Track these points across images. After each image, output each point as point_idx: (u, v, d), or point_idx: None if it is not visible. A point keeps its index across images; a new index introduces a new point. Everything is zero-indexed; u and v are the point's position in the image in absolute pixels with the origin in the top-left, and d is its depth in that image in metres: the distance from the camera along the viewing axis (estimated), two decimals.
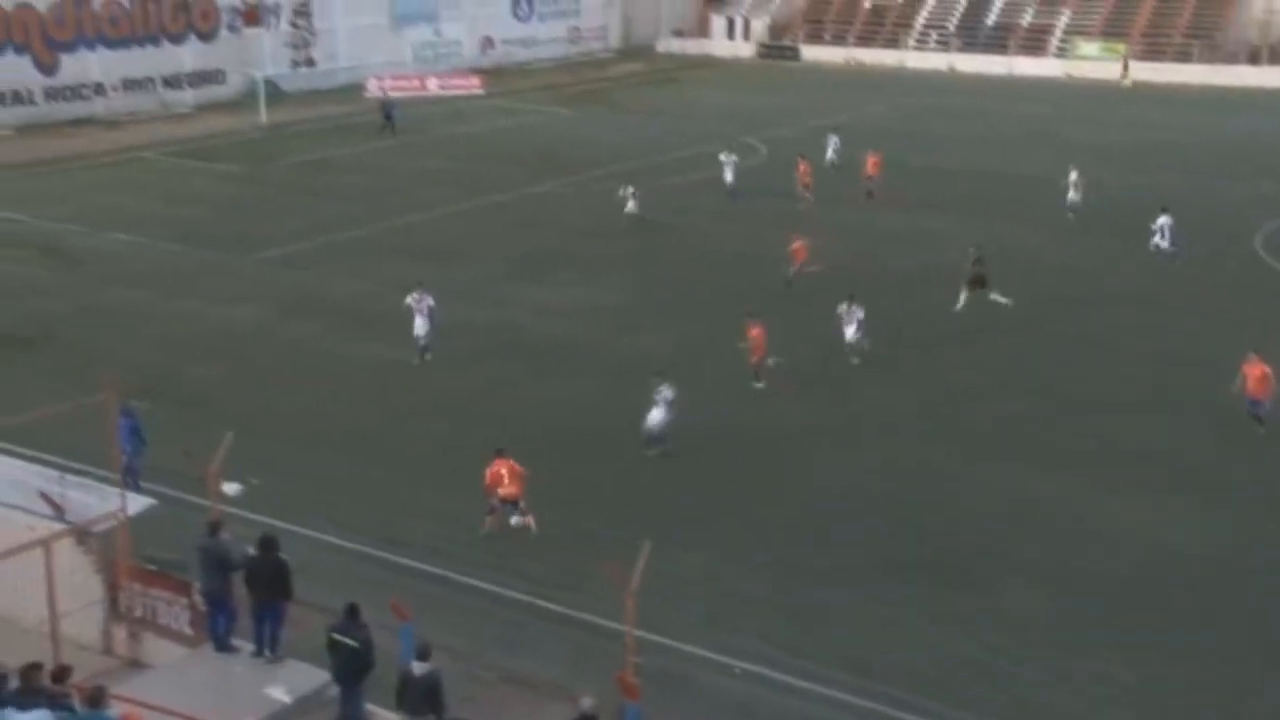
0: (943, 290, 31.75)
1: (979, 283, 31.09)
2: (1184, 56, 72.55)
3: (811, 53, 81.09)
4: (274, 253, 37.45)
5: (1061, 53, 75.99)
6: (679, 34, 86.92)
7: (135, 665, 16.40)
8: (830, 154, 46.23)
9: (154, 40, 61.89)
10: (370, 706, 14.76)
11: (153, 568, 16.61)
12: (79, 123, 57.65)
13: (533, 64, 78.02)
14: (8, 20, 56.71)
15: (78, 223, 40.63)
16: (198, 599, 16.04)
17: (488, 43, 77.32)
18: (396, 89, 63.67)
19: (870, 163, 43.39)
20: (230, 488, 19.21)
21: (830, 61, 79.48)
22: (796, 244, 33.26)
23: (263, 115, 57.98)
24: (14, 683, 12.62)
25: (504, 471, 20.32)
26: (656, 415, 23.25)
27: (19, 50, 57.23)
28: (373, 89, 63.18)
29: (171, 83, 62.56)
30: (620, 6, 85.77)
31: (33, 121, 56.65)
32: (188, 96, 62.85)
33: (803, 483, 22.87)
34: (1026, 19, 78.33)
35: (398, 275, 31.56)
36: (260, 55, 65.04)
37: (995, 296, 30.87)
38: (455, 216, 41.86)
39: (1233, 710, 16.69)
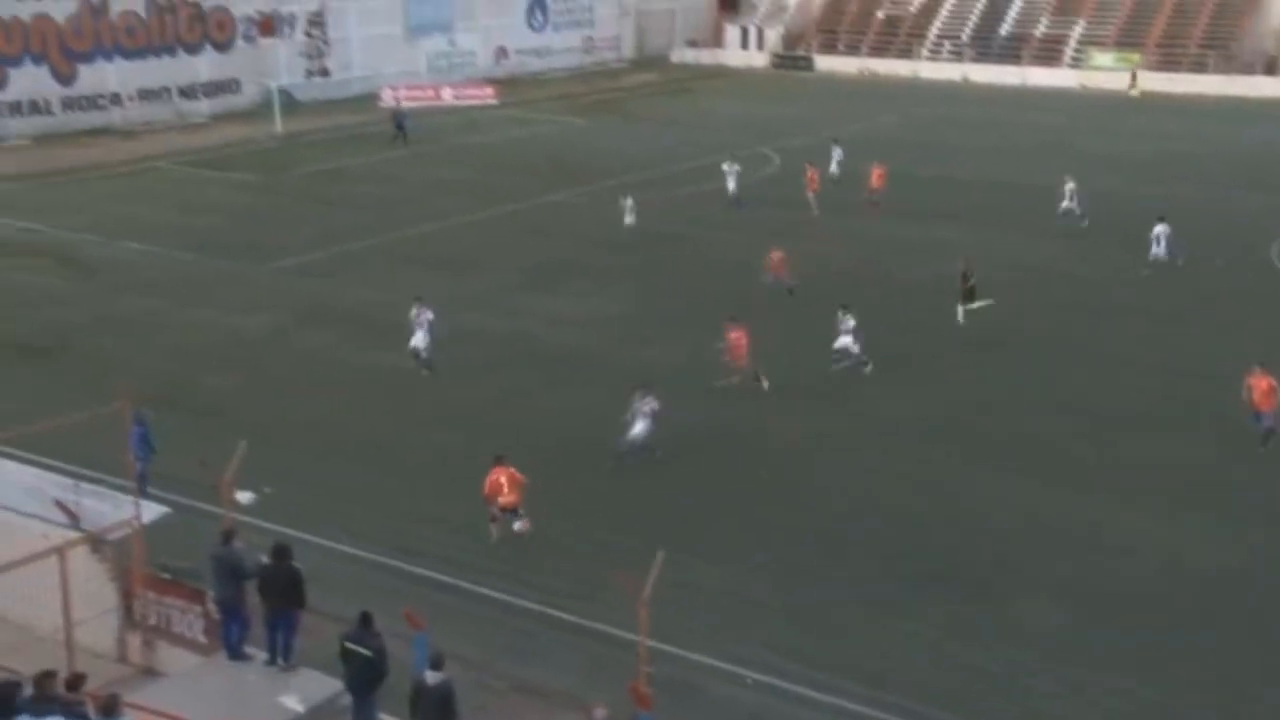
0: (954, 300, 31.69)
1: (972, 295, 31.09)
2: (1199, 67, 72.35)
3: (825, 63, 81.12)
4: (288, 262, 37.56)
5: (1076, 63, 75.87)
6: (693, 44, 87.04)
7: (149, 673, 16.43)
8: (834, 165, 46.21)
9: (170, 51, 62.20)
10: (383, 716, 14.76)
11: (167, 576, 16.64)
12: (95, 133, 57.96)
13: (547, 74, 78.23)
14: (26, 31, 57.08)
15: (94, 232, 40.82)
16: (211, 607, 16.07)
17: (502, 53, 77.52)
18: (411, 99, 63.88)
19: (875, 174, 43.32)
20: (244, 496, 19.26)
21: (844, 72, 79.52)
22: (776, 255, 33.31)
23: (278, 125, 58.20)
24: (28, 690, 12.65)
25: (503, 479, 20.31)
26: (640, 427, 23.13)
27: (37, 61, 57.61)
28: (387, 99, 63.37)
29: (187, 93, 62.90)
30: (634, 17, 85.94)
31: (50, 131, 57.01)
32: (203, 106, 63.14)
33: (816, 493, 22.83)
34: (1040, 29, 78.25)
35: (412, 285, 31.60)
36: (275, 65, 65.32)
37: (979, 303, 30.81)
38: (469, 226, 41.95)
39: None
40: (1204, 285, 35.00)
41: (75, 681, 13.27)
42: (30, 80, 57.32)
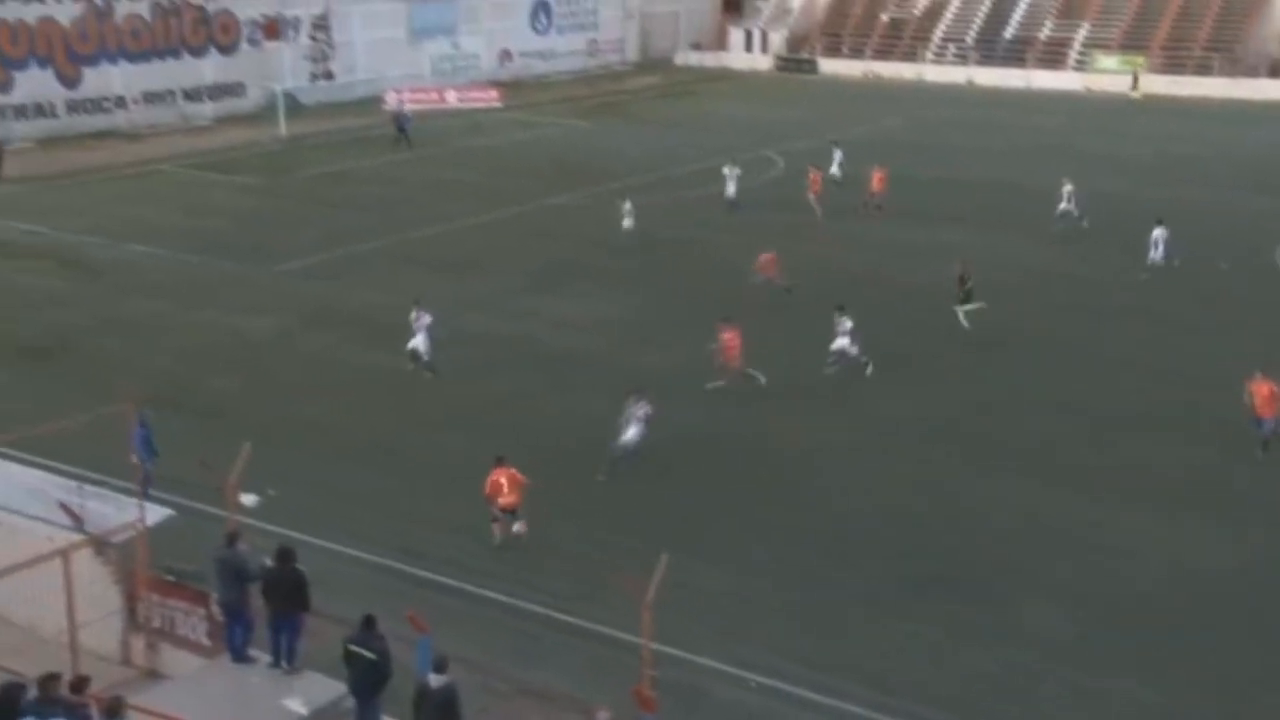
0: (955, 302, 31.63)
1: (970, 297, 31.11)
2: (1204, 69, 72.31)
3: (829, 66, 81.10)
4: (293, 264, 37.61)
5: (1080, 66, 75.84)
6: (697, 47, 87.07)
7: (153, 676, 16.44)
8: (834, 167, 46.19)
9: (175, 53, 62.29)
10: (387, 719, 14.78)
11: (171, 578, 16.66)
12: (100, 135, 58.03)
13: (551, 76, 78.28)
14: (31, 34, 57.16)
15: (98, 234, 40.88)
16: (215, 610, 16.09)
17: (506, 55, 77.59)
18: (415, 102, 63.92)
19: (876, 178, 43.25)
20: (248, 499, 19.24)
21: (848, 74, 79.50)
22: (765, 256, 33.31)
23: (282, 128, 58.26)
24: (32, 692, 12.68)
25: (503, 480, 20.32)
26: (633, 431, 23.08)
27: (42, 64, 57.68)
28: (391, 102, 63.44)
29: (192, 95, 62.97)
30: (638, 19, 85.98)
31: (55, 134, 57.07)
32: (208, 109, 63.23)
33: (819, 496, 22.83)
34: (1045, 32, 78.23)
35: (416, 287, 31.62)
36: (280, 68, 65.41)
37: (971, 305, 30.91)
38: (473, 228, 41.98)
39: None
40: (1207, 288, 34.98)
41: (79, 684, 13.30)
42: (35, 83, 57.37)
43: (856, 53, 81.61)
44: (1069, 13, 78.29)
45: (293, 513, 20.94)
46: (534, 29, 79.49)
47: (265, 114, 61.08)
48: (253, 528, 18.40)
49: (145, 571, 16.61)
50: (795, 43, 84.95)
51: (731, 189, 43.23)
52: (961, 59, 78.66)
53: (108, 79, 59.90)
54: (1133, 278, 35.61)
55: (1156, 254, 35.78)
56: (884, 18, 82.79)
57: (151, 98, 61.35)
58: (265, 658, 15.96)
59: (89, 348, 30.51)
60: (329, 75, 68.53)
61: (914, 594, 19.46)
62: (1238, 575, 20.13)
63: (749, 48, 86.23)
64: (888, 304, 32.42)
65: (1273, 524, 21.74)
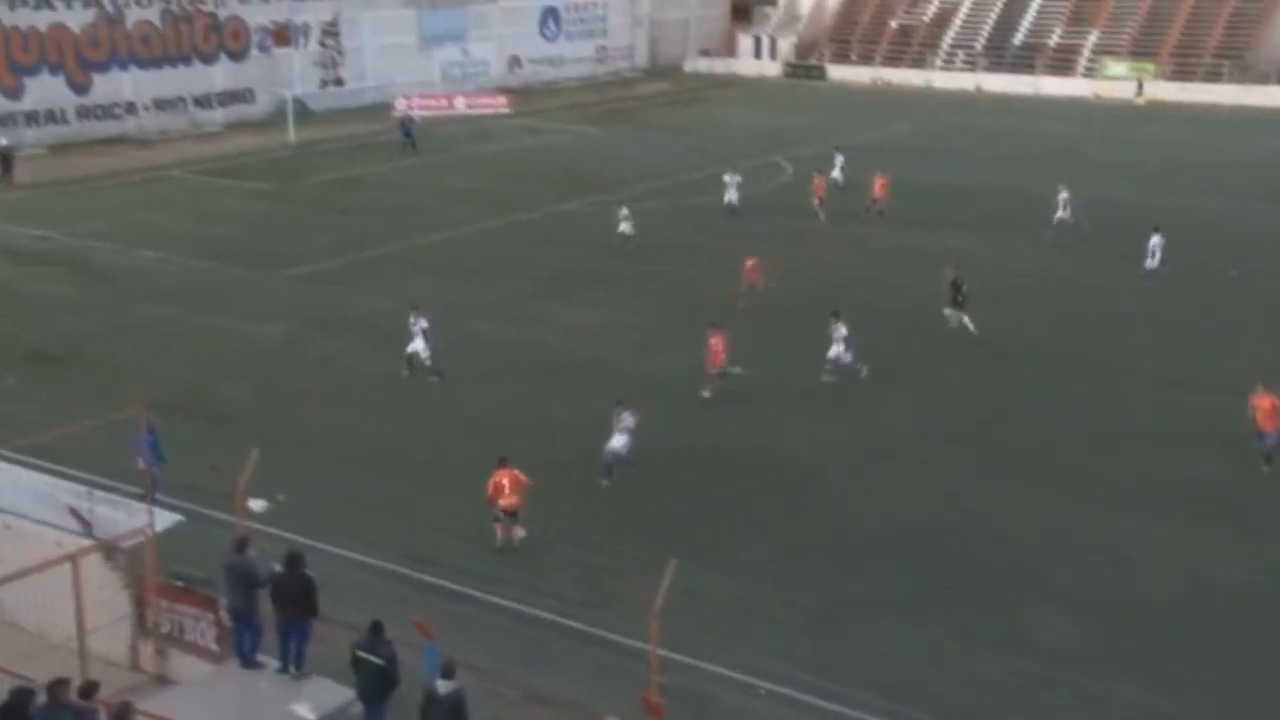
0: (958, 309, 31.60)
1: (963, 304, 31.09)
2: (1214, 76, 72.23)
3: (838, 72, 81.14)
4: (302, 270, 37.68)
5: (1089, 73, 75.79)
6: (706, 53, 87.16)
7: (162, 681, 16.46)
8: (836, 172, 46.13)
9: (185, 60, 62.49)
10: None
11: (180, 584, 16.69)
12: (111, 141, 58.22)
13: (560, 83, 78.38)
14: (42, 41, 57.38)
15: (108, 240, 40.98)
16: (224, 615, 16.11)
17: (515, 62, 77.74)
18: (424, 108, 64.06)
19: (878, 184, 43.21)
20: (257, 504, 19.30)
21: (857, 81, 79.53)
22: (749, 262, 33.33)
23: (291, 134, 58.38)
24: (41, 698, 12.71)
25: (505, 481, 20.34)
26: (618, 441, 22.99)
27: (53, 70, 57.88)
28: (400, 108, 63.58)
29: (202, 102, 63.16)
30: (647, 26, 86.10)
31: (65, 140, 57.30)
32: (218, 115, 63.41)
33: (828, 504, 22.81)
34: (1054, 39, 78.19)
35: (425, 293, 31.69)
36: (290, 75, 65.54)
37: (949, 310, 30.86)
38: (482, 235, 42.02)
39: None
40: (1216, 295, 34.89)
41: (88, 689, 13.32)
42: (46, 89, 57.57)
43: (865, 59, 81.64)
44: (1078, 20, 78.25)
45: (301, 518, 20.97)
46: (543, 36, 79.62)
47: (275, 120, 61.21)
48: (261, 533, 18.48)
49: (154, 577, 16.62)
50: (804, 49, 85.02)
51: (732, 195, 43.26)
52: (970, 65, 78.61)
53: (118, 85, 60.09)
54: (1138, 284, 35.55)
55: (1153, 261, 35.70)
56: (893, 24, 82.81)
57: (162, 104, 61.58)
58: (274, 663, 15.98)
59: (99, 353, 30.59)
60: (339, 81, 68.68)
61: (919, 599, 19.42)
62: (1242, 580, 20.08)
63: (758, 54, 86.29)
64: (890, 309, 32.40)
65: (1278, 530, 21.65)
